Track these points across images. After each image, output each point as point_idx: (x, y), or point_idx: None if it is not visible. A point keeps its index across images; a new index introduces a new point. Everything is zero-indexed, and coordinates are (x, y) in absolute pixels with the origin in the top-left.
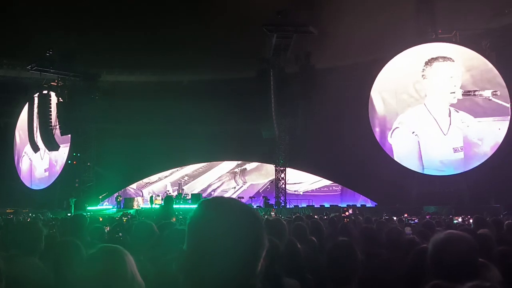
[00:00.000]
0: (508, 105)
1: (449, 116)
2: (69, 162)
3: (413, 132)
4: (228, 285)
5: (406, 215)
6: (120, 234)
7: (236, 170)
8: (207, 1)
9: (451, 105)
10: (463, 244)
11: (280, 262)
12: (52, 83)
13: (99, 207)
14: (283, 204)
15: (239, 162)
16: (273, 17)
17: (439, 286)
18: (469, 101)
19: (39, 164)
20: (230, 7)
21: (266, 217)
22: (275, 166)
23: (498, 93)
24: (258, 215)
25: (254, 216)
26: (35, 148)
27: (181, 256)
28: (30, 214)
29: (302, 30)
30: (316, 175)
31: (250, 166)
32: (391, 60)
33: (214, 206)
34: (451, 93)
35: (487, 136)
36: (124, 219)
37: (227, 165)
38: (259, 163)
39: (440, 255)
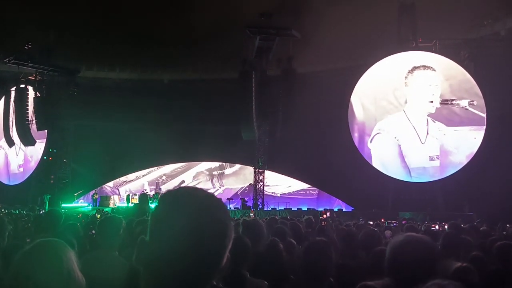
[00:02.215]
0: (484, 115)
1: (427, 125)
2: (45, 158)
3: (395, 137)
4: (186, 279)
5: (382, 220)
6: (93, 231)
7: (215, 173)
8: (192, 1)
9: (429, 114)
10: (420, 246)
11: (249, 263)
12: (30, 77)
13: (74, 204)
14: (260, 206)
15: (218, 163)
16: (256, 19)
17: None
18: (447, 110)
19: (14, 159)
20: (213, 7)
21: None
22: (254, 168)
23: (475, 103)
24: (222, 208)
25: (217, 208)
26: (10, 143)
27: (142, 246)
28: (2, 210)
29: (284, 33)
30: (295, 178)
31: (228, 170)
32: (371, 67)
33: (176, 197)
34: (429, 102)
35: (462, 145)
36: (98, 216)
37: (206, 166)
38: (238, 168)
39: (396, 257)
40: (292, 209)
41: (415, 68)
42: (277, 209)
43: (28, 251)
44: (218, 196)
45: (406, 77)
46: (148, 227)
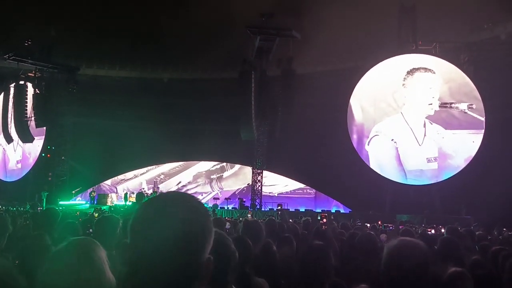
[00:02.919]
0: (483, 119)
1: (424, 127)
2: (43, 155)
3: (392, 139)
4: (166, 282)
5: (379, 222)
6: (91, 230)
7: (213, 176)
8: (193, 0)
9: (427, 117)
10: (415, 251)
11: (251, 263)
12: (29, 74)
13: (71, 202)
14: (258, 207)
15: (217, 165)
16: (257, 20)
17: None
18: (445, 113)
19: (12, 155)
20: (214, 6)
21: (241, 219)
22: (252, 169)
23: (474, 106)
24: (202, 216)
25: (197, 217)
26: (9, 139)
27: (124, 249)
28: (0, 207)
29: (285, 34)
30: (293, 179)
31: (227, 173)
32: (371, 69)
33: (156, 204)
34: (428, 104)
35: (461, 148)
36: (96, 214)
37: (204, 165)
38: (238, 169)
39: (392, 261)
40: (290, 209)
41: (415, 69)
42: (275, 209)
43: (60, 251)
44: (216, 196)
45: (405, 78)
46: (129, 230)
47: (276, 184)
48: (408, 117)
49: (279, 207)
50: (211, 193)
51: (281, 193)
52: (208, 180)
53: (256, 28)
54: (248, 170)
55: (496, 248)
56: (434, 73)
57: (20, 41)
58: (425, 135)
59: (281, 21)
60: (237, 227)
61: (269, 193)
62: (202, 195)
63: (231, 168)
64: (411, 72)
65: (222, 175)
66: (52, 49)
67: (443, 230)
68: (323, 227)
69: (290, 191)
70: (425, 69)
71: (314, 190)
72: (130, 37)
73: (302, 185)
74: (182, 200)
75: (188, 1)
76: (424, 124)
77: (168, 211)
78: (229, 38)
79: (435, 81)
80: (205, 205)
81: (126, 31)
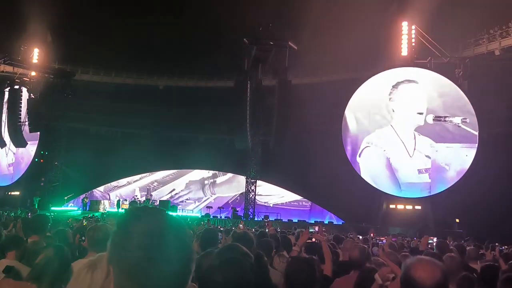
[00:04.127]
0: (476, 133)
1: (414, 139)
2: (36, 160)
3: (384, 150)
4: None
5: (372, 234)
6: (84, 237)
7: (206, 181)
8: (190, 9)
9: (418, 129)
10: (434, 269)
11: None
12: (24, 79)
13: (63, 208)
14: (251, 216)
15: (210, 171)
16: (254, 30)
17: None
18: (439, 126)
19: (3, 159)
20: (211, 16)
21: (233, 229)
22: (246, 178)
23: (468, 120)
24: (184, 240)
25: (179, 240)
26: (2, 144)
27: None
28: None
29: (281, 44)
30: (286, 189)
31: (220, 179)
32: (367, 81)
33: (134, 222)
34: (418, 113)
35: (454, 161)
36: (85, 222)
37: (198, 174)
38: (231, 176)
39: (409, 280)
40: (283, 220)
41: (399, 83)
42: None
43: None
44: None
45: (390, 92)
46: (108, 246)
47: (272, 194)
48: (398, 129)
49: (264, 218)
50: (204, 200)
51: (277, 204)
52: (201, 185)
53: (253, 38)
54: (241, 177)
55: (487, 264)
56: (417, 83)
57: (16, 46)
58: (415, 148)
59: (278, 31)
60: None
61: (265, 203)
62: (195, 202)
63: (225, 174)
64: (395, 85)
65: (216, 180)
66: (48, 55)
67: (431, 241)
68: (313, 240)
69: (286, 202)
70: (408, 81)
71: (310, 203)
72: (126, 44)
73: (298, 197)
74: (181, 226)
75: (185, 10)
76: (414, 137)
77: (183, 241)
78: (225, 47)
79: (421, 92)
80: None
81: (123, 38)
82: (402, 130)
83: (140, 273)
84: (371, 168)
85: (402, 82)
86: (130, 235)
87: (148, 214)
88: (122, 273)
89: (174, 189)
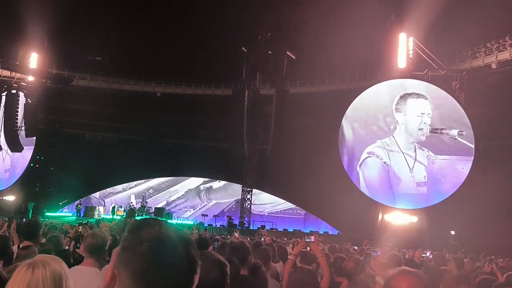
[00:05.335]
0: (473, 146)
1: (415, 151)
2: (32, 165)
3: (384, 162)
4: None
5: (368, 245)
6: (78, 244)
7: (202, 187)
8: (189, 17)
9: (418, 142)
10: (416, 282)
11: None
12: (22, 83)
13: (58, 213)
14: (246, 225)
15: (206, 179)
16: (253, 39)
17: None
18: (436, 138)
19: (0, 164)
20: (210, 24)
21: (230, 238)
22: (242, 186)
23: (464, 133)
24: (187, 256)
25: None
26: None
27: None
28: None
29: (280, 53)
30: (282, 198)
31: (216, 185)
32: (364, 92)
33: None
34: (419, 129)
35: (450, 174)
36: (79, 229)
37: (194, 181)
38: (226, 183)
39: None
40: (278, 229)
41: (407, 95)
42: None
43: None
44: (207, 211)
45: (398, 103)
46: (118, 253)
47: (266, 203)
48: (399, 141)
49: (260, 228)
50: (200, 208)
51: (271, 212)
52: (197, 192)
53: (252, 47)
54: (237, 185)
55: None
56: (426, 99)
57: (14, 51)
58: (415, 160)
59: (276, 41)
60: (225, 248)
61: (260, 211)
62: (190, 210)
63: (219, 181)
64: (403, 97)
65: (212, 185)
66: (46, 60)
67: (427, 254)
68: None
69: (281, 210)
70: (418, 95)
71: (304, 211)
72: (124, 50)
73: (292, 206)
74: (190, 240)
75: (185, 18)
76: (415, 149)
77: (190, 254)
78: (223, 55)
79: (427, 107)
80: (194, 221)
81: (121, 44)
82: (403, 142)
83: (148, 277)
84: (370, 179)
85: (410, 95)
86: (142, 240)
87: (160, 224)
88: (131, 276)
89: (170, 196)
